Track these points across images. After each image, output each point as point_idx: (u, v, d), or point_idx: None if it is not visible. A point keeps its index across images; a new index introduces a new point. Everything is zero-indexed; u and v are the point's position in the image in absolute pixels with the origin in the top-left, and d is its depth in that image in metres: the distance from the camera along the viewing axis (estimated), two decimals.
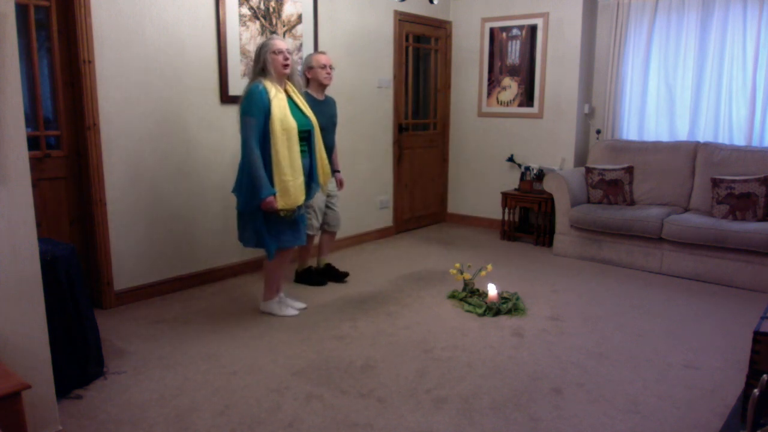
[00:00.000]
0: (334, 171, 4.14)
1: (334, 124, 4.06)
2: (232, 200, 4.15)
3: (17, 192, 2.07)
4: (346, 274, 4.33)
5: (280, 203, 3.25)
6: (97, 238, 3.61)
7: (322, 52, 3.99)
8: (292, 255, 3.78)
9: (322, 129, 3.83)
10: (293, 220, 3.41)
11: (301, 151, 3.37)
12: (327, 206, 4.15)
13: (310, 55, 3.98)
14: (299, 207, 3.38)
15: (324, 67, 3.88)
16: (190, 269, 4.10)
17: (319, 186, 3.58)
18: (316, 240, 4.32)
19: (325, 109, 3.96)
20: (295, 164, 3.28)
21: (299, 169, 3.31)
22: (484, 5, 5.89)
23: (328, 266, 4.35)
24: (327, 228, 4.23)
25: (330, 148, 4.01)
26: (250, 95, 3.21)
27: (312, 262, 4.37)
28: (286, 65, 3.30)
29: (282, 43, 3.31)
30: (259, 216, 3.29)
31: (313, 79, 3.93)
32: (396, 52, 5.52)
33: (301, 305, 3.77)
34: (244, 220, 3.38)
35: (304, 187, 3.38)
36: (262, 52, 3.28)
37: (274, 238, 3.37)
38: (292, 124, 3.26)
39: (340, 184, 4.19)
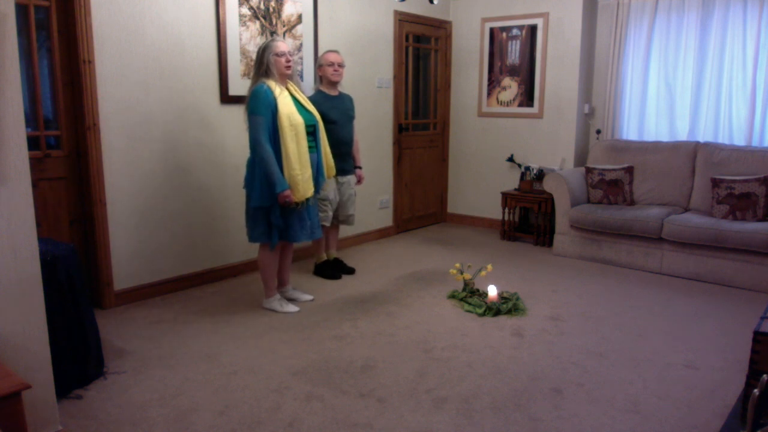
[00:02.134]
0: (355, 167, 4.37)
1: (349, 118, 4.23)
2: (232, 200, 4.19)
3: (17, 192, 2.07)
4: (353, 270, 4.51)
5: (292, 196, 3.38)
6: (97, 238, 3.61)
7: (333, 51, 4.13)
8: (292, 251, 3.85)
9: (335, 123, 4.06)
10: (301, 215, 3.50)
11: (309, 147, 3.47)
12: (344, 198, 4.32)
13: (321, 55, 4.17)
14: (308, 200, 3.47)
15: (331, 64, 4.05)
16: (189, 269, 4.11)
17: (325, 179, 3.70)
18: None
19: (339, 104, 4.14)
20: (303, 158, 3.39)
21: (307, 163, 3.42)
22: (484, 5, 5.89)
23: (337, 260, 4.50)
24: (335, 221, 4.41)
25: (348, 143, 4.22)
26: (256, 95, 3.31)
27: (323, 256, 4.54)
28: (288, 67, 3.42)
29: (284, 45, 3.41)
30: (275, 210, 3.39)
31: (323, 77, 4.11)
32: (396, 52, 5.52)
33: (308, 297, 3.88)
34: (257, 216, 3.44)
35: (312, 180, 3.50)
36: (265, 54, 3.37)
37: (282, 231, 3.48)
38: (300, 119, 3.38)
39: (359, 179, 4.40)
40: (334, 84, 4.12)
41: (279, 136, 3.31)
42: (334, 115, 4.06)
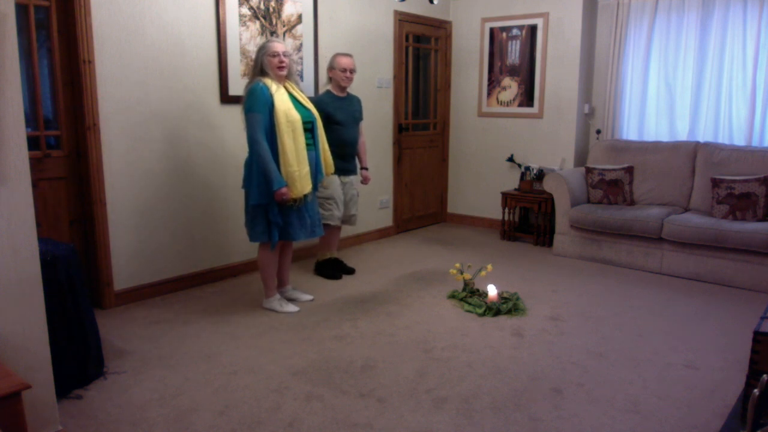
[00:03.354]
0: (361, 167, 4.37)
1: (355, 120, 4.22)
2: (232, 200, 4.19)
3: (17, 192, 2.07)
4: (353, 270, 4.49)
5: (289, 193, 3.37)
6: (97, 238, 3.61)
7: (347, 55, 4.10)
8: (292, 251, 3.85)
9: (340, 124, 4.07)
10: (300, 213, 3.48)
11: (307, 144, 3.47)
12: (347, 198, 4.28)
13: (334, 56, 4.13)
14: (305, 196, 3.46)
15: (344, 70, 4.05)
16: (189, 269, 4.11)
17: (323, 176, 3.68)
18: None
19: (346, 106, 4.14)
20: (300, 155, 3.39)
21: (304, 160, 3.41)
22: (484, 5, 5.89)
23: (336, 260, 4.49)
24: (344, 222, 4.38)
25: (352, 144, 4.21)
26: (253, 93, 3.32)
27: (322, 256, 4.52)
28: (281, 67, 3.40)
29: (279, 45, 3.40)
30: (273, 208, 3.39)
31: (333, 79, 4.10)
32: (396, 52, 5.52)
33: (308, 297, 3.88)
34: (255, 215, 3.45)
35: (310, 177, 3.48)
36: (260, 54, 3.40)
37: (281, 230, 3.48)
38: (296, 116, 3.38)
39: (365, 180, 4.39)
40: (343, 87, 4.13)
41: (276, 133, 3.32)
42: (339, 116, 4.06)
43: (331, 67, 4.11)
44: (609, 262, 4.80)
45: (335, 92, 4.12)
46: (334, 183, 4.11)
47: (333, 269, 4.39)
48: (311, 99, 4.03)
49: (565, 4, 5.38)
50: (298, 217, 3.50)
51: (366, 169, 4.41)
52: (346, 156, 4.18)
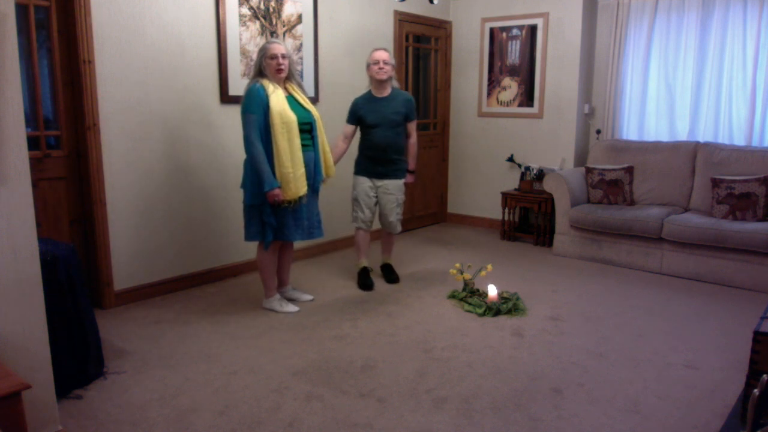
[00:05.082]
0: (408, 171, 4.16)
1: (391, 122, 3.93)
2: (232, 200, 4.19)
3: (17, 192, 2.07)
4: (396, 278, 4.29)
5: (282, 195, 3.35)
6: (97, 238, 3.61)
7: (380, 48, 3.97)
8: (292, 251, 3.85)
9: (373, 127, 3.92)
10: (296, 214, 3.47)
11: (305, 145, 3.45)
12: (382, 204, 4.10)
13: (369, 53, 3.99)
14: (301, 198, 3.44)
15: (377, 62, 3.90)
16: (189, 269, 4.11)
17: (322, 178, 3.64)
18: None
19: (381, 107, 3.94)
20: (295, 156, 3.36)
21: (299, 161, 3.39)
22: (484, 5, 5.89)
23: (387, 266, 4.36)
24: (383, 227, 4.26)
25: (384, 148, 3.95)
26: (249, 93, 3.34)
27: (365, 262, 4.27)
28: (280, 70, 3.39)
29: (278, 47, 3.39)
30: (266, 209, 3.39)
31: (371, 77, 3.96)
32: (396, 52, 5.51)
33: (308, 297, 3.88)
34: (250, 215, 3.46)
35: (307, 179, 3.45)
36: (259, 56, 3.40)
37: (275, 230, 3.46)
38: (292, 117, 3.35)
39: (406, 183, 4.17)
40: (381, 83, 3.92)
41: (271, 134, 3.31)
42: (371, 118, 3.91)
43: (367, 65, 3.96)
44: (609, 262, 4.80)
45: (374, 92, 3.98)
46: (360, 185, 4.00)
47: (367, 278, 4.15)
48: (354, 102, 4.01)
49: (565, 4, 5.38)
50: (294, 218, 3.47)
51: (411, 172, 4.15)
52: (381, 160, 3.97)
